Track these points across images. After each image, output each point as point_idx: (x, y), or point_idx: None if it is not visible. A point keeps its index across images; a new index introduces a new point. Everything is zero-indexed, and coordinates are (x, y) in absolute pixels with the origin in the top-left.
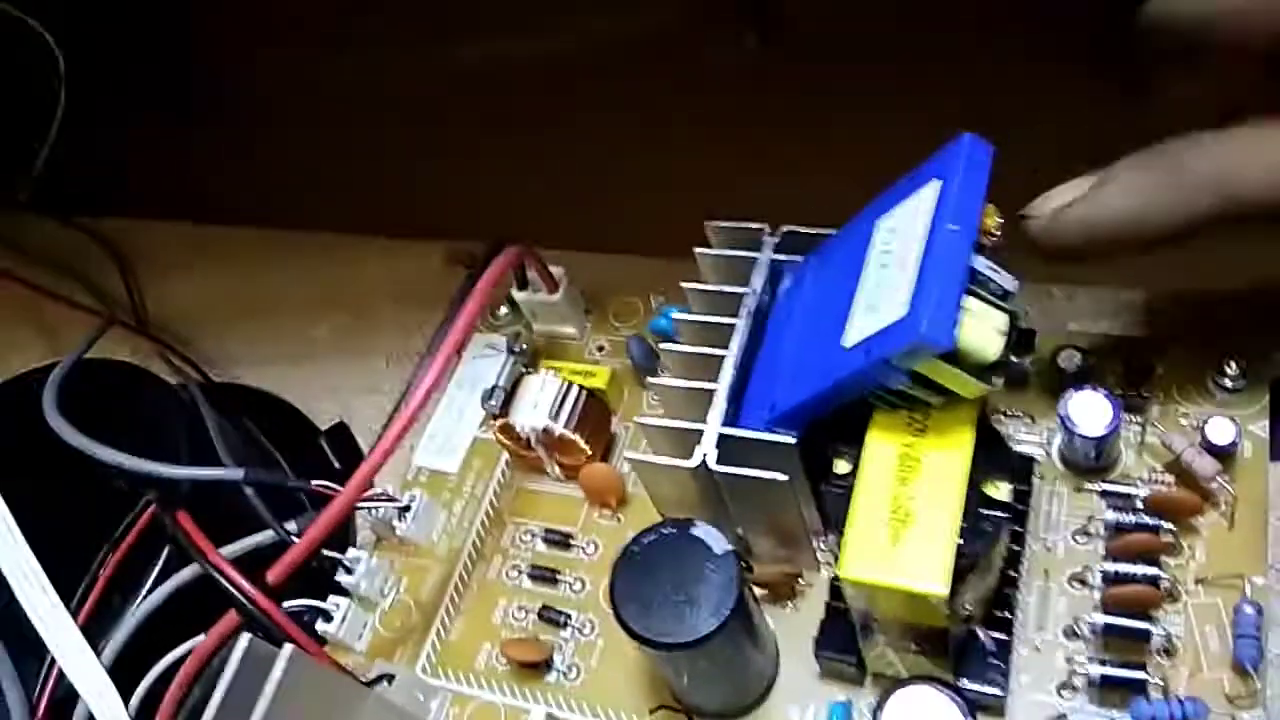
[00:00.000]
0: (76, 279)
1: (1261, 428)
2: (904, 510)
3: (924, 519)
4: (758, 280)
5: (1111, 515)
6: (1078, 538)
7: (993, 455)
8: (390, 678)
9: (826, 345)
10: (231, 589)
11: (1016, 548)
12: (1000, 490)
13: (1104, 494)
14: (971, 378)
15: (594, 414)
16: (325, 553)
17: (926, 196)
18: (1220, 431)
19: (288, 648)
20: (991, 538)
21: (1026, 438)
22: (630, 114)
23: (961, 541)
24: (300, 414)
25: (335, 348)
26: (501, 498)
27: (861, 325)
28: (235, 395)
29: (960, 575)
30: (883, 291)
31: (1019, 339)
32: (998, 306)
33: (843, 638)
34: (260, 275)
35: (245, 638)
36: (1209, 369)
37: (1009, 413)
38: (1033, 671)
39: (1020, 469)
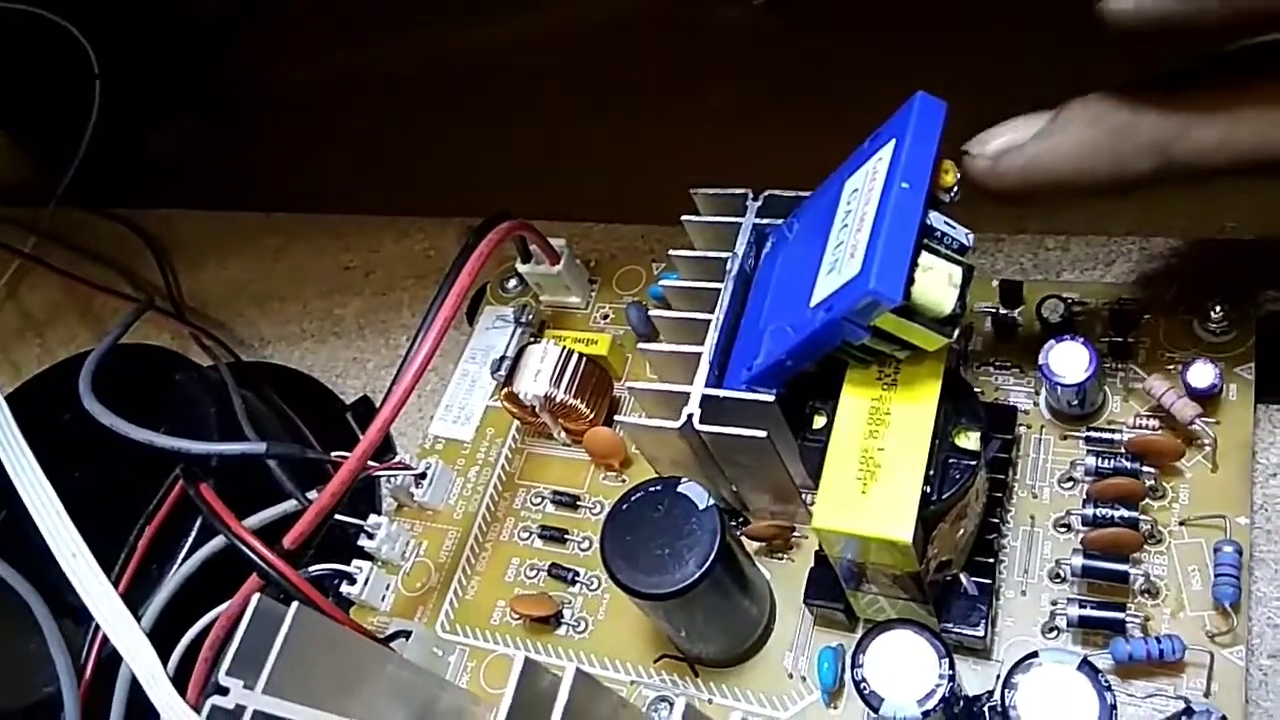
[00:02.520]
0: (117, 269)
1: (1247, 370)
2: (873, 462)
3: (892, 469)
4: (740, 244)
5: (1092, 460)
6: (1063, 484)
7: (962, 405)
8: (406, 634)
9: (797, 305)
10: (251, 555)
11: (998, 495)
12: (970, 439)
13: (1088, 440)
14: (929, 330)
15: (594, 380)
16: (343, 519)
17: (884, 156)
18: (1200, 375)
19: (295, 605)
20: (960, 485)
21: (1016, 388)
22: (637, 85)
23: (928, 490)
24: (326, 389)
25: (359, 325)
26: (513, 463)
27: (825, 284)
28: (264, 373)
29: (930, 521)
30: (844, 251)
31: (1006, 291)
32: (953, 260)
33: (830, 586)
34: (289, 259)
35: (256, 597)
36: (1196, 313)
37: (999, 364)
38: (1018, 614)
39: (1002, 417)
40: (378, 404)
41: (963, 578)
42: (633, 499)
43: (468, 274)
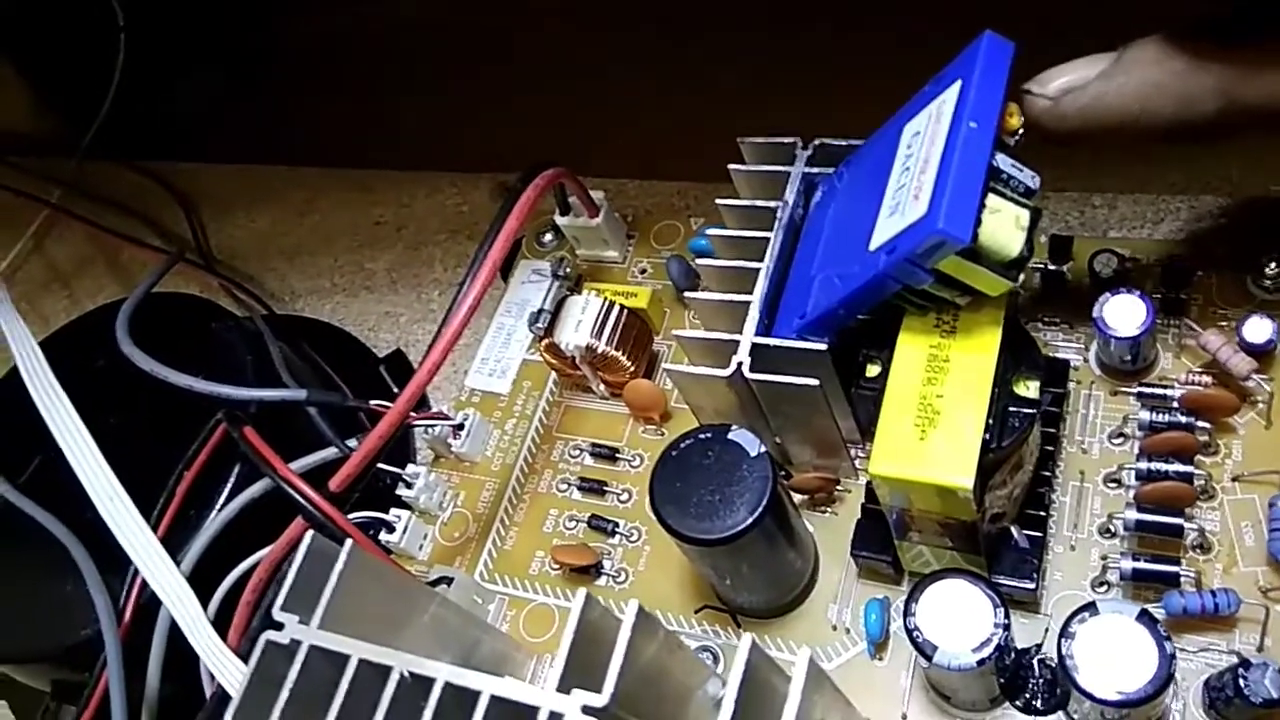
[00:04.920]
0: (145, 222)
1: None
2: (932, 409)
3: (951, 416)
4: (790, 193)
5: (1146, 415)
6: (1113, 440)
7: (1021, 354)
8: (449, 581)
9: (854, 250)
10: (297, 497)
11: (1050, 448)
12: (1029, 388)
13: (1140, 396)
14: (995, 274)
15: (635, 332)
16: (384, 468)
17: (948, 98)
18: (1257, 330)
19: (349, 542)
20: (1020, 433)
21: (1064, 344)
22: (673, 38)
23: (988, 437)
24: (360, 343)
25: (391, 279)
26: (550, 415)
27: (886, 228)
28: (298, 326)
29: (988, 470)
30: (906, 193)
31: (1056, 247)
32: (1020, 203)
33: (878, 538)
34: (318, 213)
35: (310, 534)
36: (1249, 270)
37: (1047, 320)
38: (1067, 568)
39: (1054, 371)
40: (412, 357)
41: (1014, 530)
42: (683, 445)
43: (515, 218)
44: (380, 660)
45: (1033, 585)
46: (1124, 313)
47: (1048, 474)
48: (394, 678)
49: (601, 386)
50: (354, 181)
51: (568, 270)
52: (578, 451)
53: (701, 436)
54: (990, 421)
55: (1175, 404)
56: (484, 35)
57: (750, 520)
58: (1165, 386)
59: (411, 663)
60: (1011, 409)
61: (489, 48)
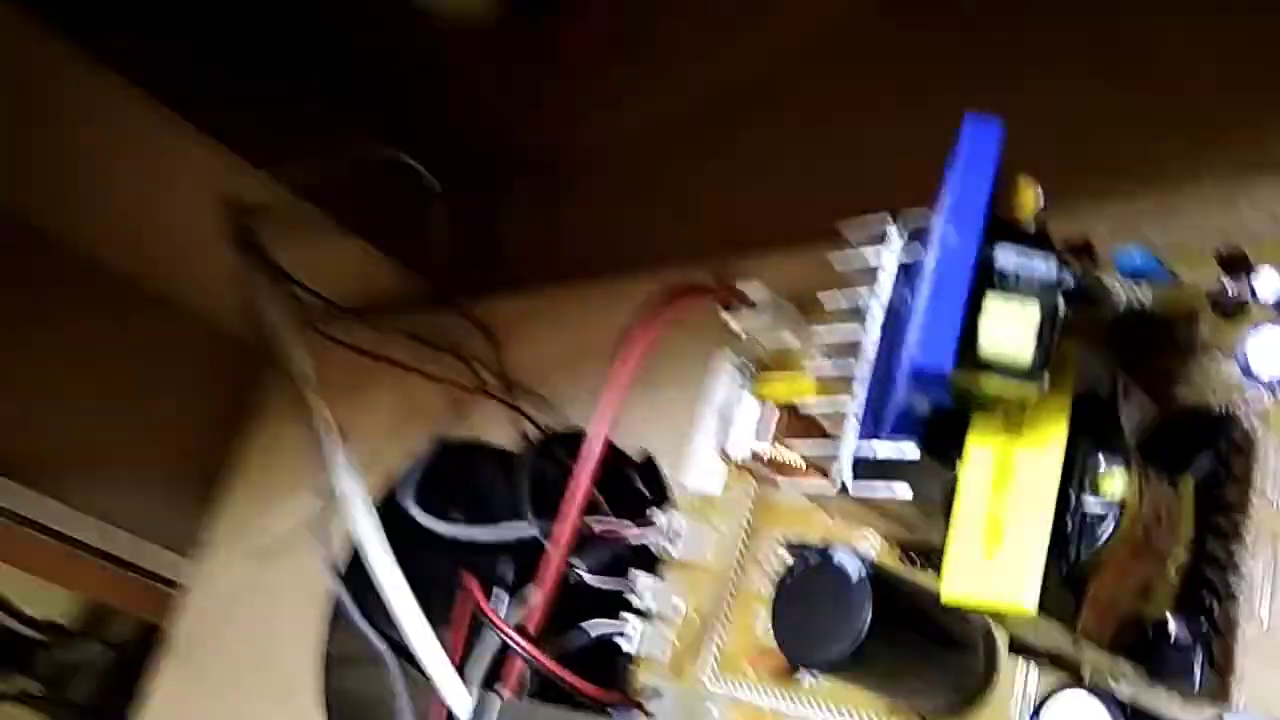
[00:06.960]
0: (459, 359)
1: None
2: (997, 520)
3: (1016, 528)
4: (884, 286)
5: None
6: None
7: (1104, 441)
8: (659, 694)
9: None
10: (508, 641)
11: (1219, 518)
12: (1113, 483)
13: None
14: (1014, 382)
15: (800, 427)
16: (589, 578)
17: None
18: None
19: (493, 699)
20: (1107, 539)
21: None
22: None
23: (1070, 548)
24: (621, 452)
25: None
26: (755, 512)
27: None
28: (565, 442)
29: (1075, 582)
30: (918, 304)
31: (1227, 262)
32: (1031, 299)
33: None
34: (591, 327)
35: (478, 694)
36: None
37: (1224, 351)
38: (1262, 652)
39: (1207, 429)
40: (660, 463)
41: (1170, 622)
42: (794, 574)
43: (636, 352)
44: None
45: (1197, 684)
46: (1270, 349)
47: (1218, 549)
48: None
49: (784, 483)
50: (608, 291)
51: (750, 365)
52: (777, 546)
53: (808, 564)
54: (1069, 527)
55: None
56: (698, 120)
57: (850, 648)
58: None
59: None
60: (1091, 512)
61: (696, 135)
